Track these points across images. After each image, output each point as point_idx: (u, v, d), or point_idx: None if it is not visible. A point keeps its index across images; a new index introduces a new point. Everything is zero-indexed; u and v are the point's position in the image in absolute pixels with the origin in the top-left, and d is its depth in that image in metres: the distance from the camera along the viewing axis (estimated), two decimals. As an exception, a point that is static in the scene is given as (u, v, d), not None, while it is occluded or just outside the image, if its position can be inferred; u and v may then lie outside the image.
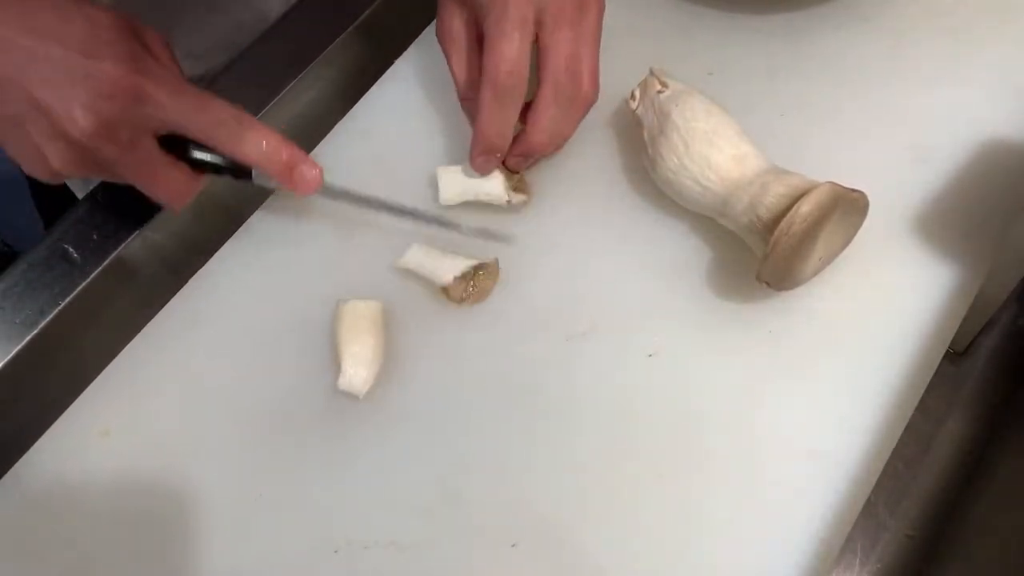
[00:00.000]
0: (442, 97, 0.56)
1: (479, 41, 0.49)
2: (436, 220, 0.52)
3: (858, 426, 0.44)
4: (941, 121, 0.53)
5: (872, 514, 0.42)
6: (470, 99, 0.51)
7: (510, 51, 0.46)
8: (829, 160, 0.49)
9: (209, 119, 0.43)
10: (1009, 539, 0.41)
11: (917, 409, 0.44)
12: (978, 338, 0.46)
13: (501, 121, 0.48)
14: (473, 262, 0.50)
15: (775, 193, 0.45)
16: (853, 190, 0.45)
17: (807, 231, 0.43)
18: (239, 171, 0.47)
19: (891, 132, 0.53)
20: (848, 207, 0.45)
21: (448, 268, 0.50)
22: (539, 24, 0.47)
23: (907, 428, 0.44)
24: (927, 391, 0.45)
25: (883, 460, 0.43)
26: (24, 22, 0.40)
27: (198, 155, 0.45)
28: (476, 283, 0.50)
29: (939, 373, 0.45)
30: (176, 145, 0.44)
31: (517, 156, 0.51)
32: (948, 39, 0.56)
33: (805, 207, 0.42)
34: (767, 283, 0.45)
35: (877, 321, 0.47)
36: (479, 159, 0.51)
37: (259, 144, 0.45)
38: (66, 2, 0.41)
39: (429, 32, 0.61)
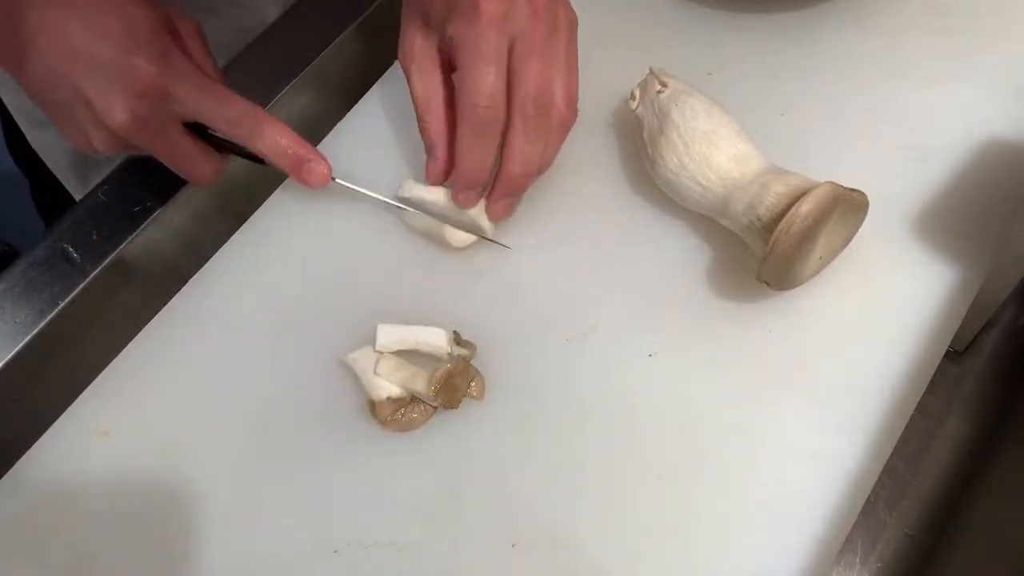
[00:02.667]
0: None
1: (443, 66, 0.48)
2: (440, 215, 0.51)
3: (858, 426, 0.44)
4: (941, 121, 0.53)
5: (872, 514, 0.42)
6: (429, 124, 0.50)
7: (486, 85, 0.45)
8: (829, 160, 0.49)
9: (227, 115, 0.47)
10: (1009, 539, 0.41)
11: (917, 409, 0.44)
12: (978, 338, 0.46)
13: (481, 155, 0.47)
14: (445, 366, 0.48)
15: (775, 193, 0.45)
16: (853, 190, 0.45)
17: (807, 231, 0.43)
18: (257, 156, 0.50)
19: (891, 132, 0.53)
20: (848, 207, 0.45)
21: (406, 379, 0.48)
22: (509, 52, 0.45)
23: (907, 428, 0.44)
24: (927, 391, 0.45)
25: (883, 460, 0.43)
26: (75, 14, 0.44)
27: (219, 140, 0.50)
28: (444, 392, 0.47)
29: (939, 373, 0.45)
30: (204, 128, 0.49)
31: (501, 199, 0.50)
32: (948, 39, 0.56)
33: (805, 207, 0.43)
34: (767, 283, 0.45)
35: (877, 321, 0.47)
36: (463, 194, 0.49)
37: (271, 139, 0.48)
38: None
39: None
